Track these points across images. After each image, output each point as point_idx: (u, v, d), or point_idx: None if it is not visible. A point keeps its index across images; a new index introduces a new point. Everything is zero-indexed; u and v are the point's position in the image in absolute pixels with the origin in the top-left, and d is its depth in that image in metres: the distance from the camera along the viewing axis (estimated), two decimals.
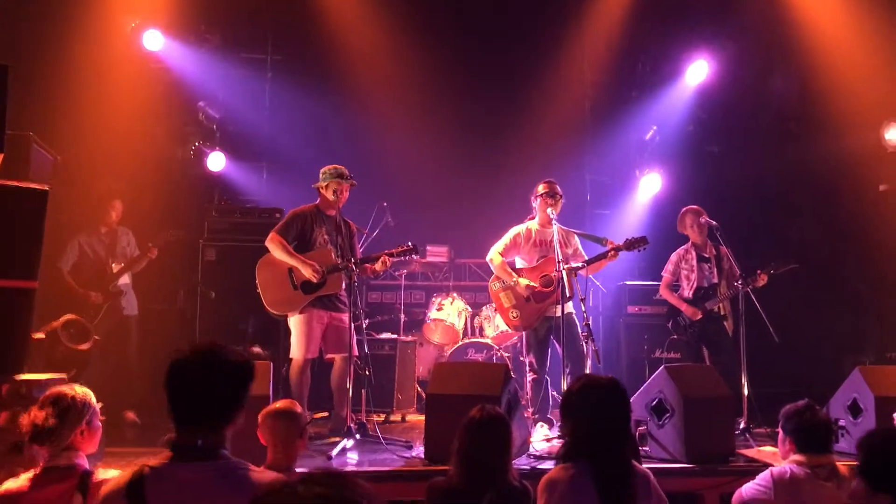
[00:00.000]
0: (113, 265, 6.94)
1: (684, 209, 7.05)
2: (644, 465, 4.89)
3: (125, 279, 7.01)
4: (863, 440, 2.04)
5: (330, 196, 5.98)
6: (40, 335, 5.23)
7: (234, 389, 2.31)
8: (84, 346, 5.58)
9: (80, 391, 3.11)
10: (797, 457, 3.59)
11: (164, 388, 2.28)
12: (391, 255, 5.92)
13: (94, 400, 3.12)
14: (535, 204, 6.47)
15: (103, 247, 7.00)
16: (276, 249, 5.86)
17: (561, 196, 6.37)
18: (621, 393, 2.97)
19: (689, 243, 7.02)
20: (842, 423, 5.41)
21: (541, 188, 6.40)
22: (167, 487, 2.18)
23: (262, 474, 2.27)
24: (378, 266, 5.92)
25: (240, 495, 2.13)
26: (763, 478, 3.64)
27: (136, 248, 7.13)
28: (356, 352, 5.86)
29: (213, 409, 2.28)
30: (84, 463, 2.99)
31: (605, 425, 2.89)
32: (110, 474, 2.92)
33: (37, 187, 4.64)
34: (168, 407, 2.29)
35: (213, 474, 2.21)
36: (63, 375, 4.60)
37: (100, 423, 3.15)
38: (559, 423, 5.66)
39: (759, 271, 6.34)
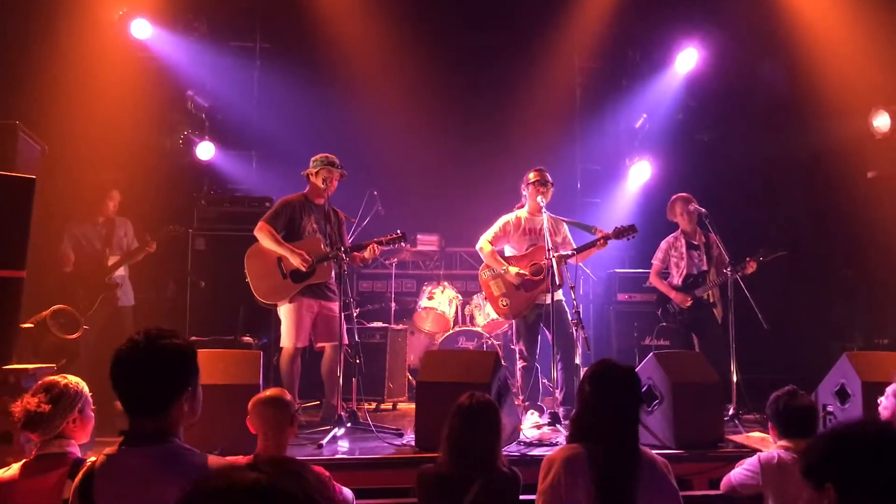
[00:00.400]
0: (110, 257, 6.92)
1: (673, 197, 7.07)
2: None
3: (121, 270, 6.98)
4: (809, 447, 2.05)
5: (319, 184, 5.96)
6: (29, 325, 5.21)
7: (172, 375, 2.30)
8: (73, 336, 5.55)
9: (73, 380, 3.11)
10: (785, 442, 3.63)
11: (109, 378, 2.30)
12: (380, 242, 5.91)
13: (86, 389, 3.12)
14: (526, 192, 6.47)
15: (100, 237, 6.97)
16: (264, 238, 5.84)
17: (552, 184, 6.37)
18: (634, 383, 2.97)
19: (679, 231, 7.03)
20: (830, 408, 5.45)
21: (532, 176, 6.40)
22: (114, 475, 2.21)
23: (210, 458, 2.26)
24: (367, 254, 5.90)
25: (184, 479, 2.14)
26: (751, 463, 3.67)
27: (135, 239, 7.10)
28: (346, 340, 5.86)
29: (152, 396, 2.27)
30: (76, 451, 2.99)
31: (616, 411, 2.87)
32: None
33: (24, 176, 4.61)
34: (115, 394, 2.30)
35: (158, 458, 2.21)
36: (52, 365, 4.59)
37: (92, 413, 3.15)
38: (550, 410, 5.73)
39: (747, 259, 6.36)
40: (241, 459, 2.49)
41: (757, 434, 5.40)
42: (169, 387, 2.29)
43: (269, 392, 3.62)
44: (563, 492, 2.75)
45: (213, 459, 2.28)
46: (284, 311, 5.87)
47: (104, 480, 2.20)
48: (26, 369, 4.33)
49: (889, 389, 3.94)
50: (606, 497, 2.72)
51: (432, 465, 3.36)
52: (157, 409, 2.27)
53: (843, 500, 1.79)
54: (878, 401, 4.08)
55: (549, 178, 6.37)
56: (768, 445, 3.83)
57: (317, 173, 5.98)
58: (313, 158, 6.05)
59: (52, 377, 3.11)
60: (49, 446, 2.94)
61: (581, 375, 6.08)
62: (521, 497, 3.43)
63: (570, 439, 3.02)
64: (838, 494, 1.79)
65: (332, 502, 3.17)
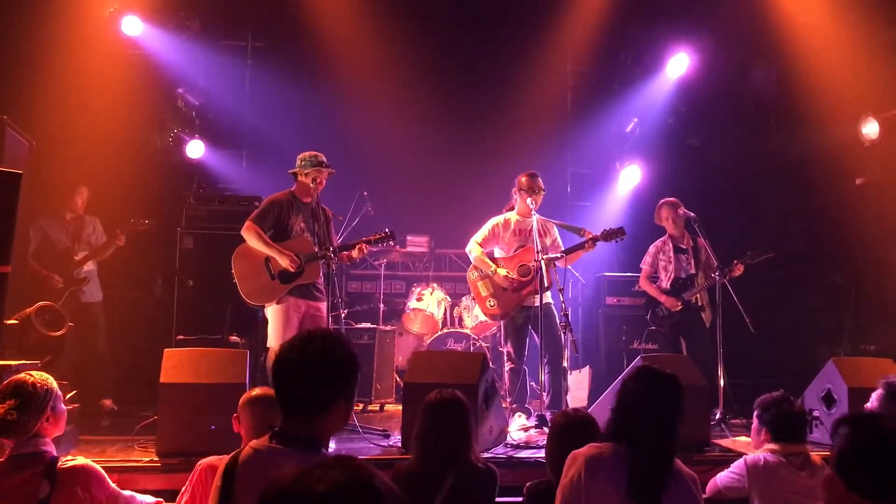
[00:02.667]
0: (78, 252, 6.86)
1: (661, 202, 7.08)
2: None
3: (90, 266, 6.92)
4: (840, 427, 1.89)
5: (308, 183, 5.92)
6: (13, 321, 5.17)
7: (336, 382, 2.24)
8: (58, 333, 5.51)
9: (39, 377, 3.04)
10: (771, 445, 3.64)
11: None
12: (369, 242, 5.87)
13: (54, 384, 3.07)
14: (517, 195, 6.46)
15: (67, 233, 6.91)
16: (251, 239, 5.77)
17: (543, 191, 6.36)
18: (676, 389, 2.85)
19: (666, 235, 7.05)
20: (816, 413, 5.47)
21: (524, 181, 6.36)
22: (258, 469, 2.14)
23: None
24: (355, 253, 5.86)
25: None
26: (737, 466, 3.68)
27: (104, 235, 7.04)
28: None
29: (310, 401, 2.20)
30: (51, 449, 2.95)
31: (653, 413, 2.78)
32: (79, 461, 2.89)
33: (9, 171, 4.57)
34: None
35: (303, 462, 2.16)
36: (36, 362, 4.55)
37: (64, 407, 3.11)
38: (537, 413, 5.73)
39: (735, 261, 6.38)
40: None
41: (743, 438, 5.40)
42: (332, 389, 2.22)
43: (257, 391, 3.60)
44: (583, 488, 2.69)
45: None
46: (272, 312, 5.82)
47: (247, 473, 2.13)
48: (9, 365, 4.29)
49: (874, 395, 3.96)
50: (637, 501, 2.65)
51: (406, 464, 3.35)
52: (313, 411, 2.20)
53: None
54: (866, 408, 4.10)
55: (542, 185, 6.35)
56: (754, 450, 3.84)
57: (306, 174, 5.94)
58: (300, 157, 5.99)
59: (18, 377, 3.03)
60: (23, 447, 2.89)
61: (567, 379, 6.14)
62: (507, 499, 3.42)
63: (606, 439, 2.89)
64: None
65: None
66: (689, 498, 2.77)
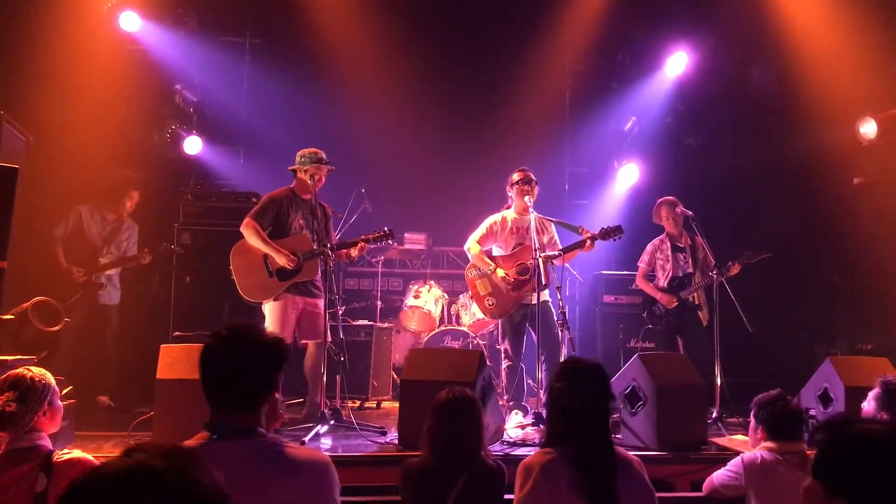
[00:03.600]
0: (106, 255, 6.86)
1: (659, 200, 7.09)
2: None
3: (111, 271, 6.93)
4: (818, 434, 1.90)
5: (307, 179, 5.91)
6: (10, 316, 5.16)
7: (264, 372, 2.30)
8: (55, 328, 5.50)
9: (38, 372, 3.04)
10: (768, 444, 3.64)
11: (198, 370, 2.30)
12: (367, 240, 5.87)
13: (52, 379, 3.07)
14: (511, 193, 6.47)
15: (102, 233, 6.93)
16: (250, 236, 5.77)
17: (536, 183, 6.37)
18: (603, 376, 2.91)
19: (664, 234, 7.06)
20: (812, 412, 5.46)
21: (515, 176, 6.40)
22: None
23: (298, 450, 2.26)
24: (354, 252, 5.87)
25: (280, 473, 2.17)
26: (734, 464, 3.68)
27: (135, 247, 7.08)
28: (330, 338, 5.83)
29: (244, 392, 2.27)
30: (47, 444, 2.94)
31: (587, 409, 2.81)
32: (75, 454, 2.89)
33: (6, 166, 4.56)
34: (202, 388, 2.29)
35: (252, 453, 2.19)
36: (32, 357, 4.54)
37: (60, 403, 3.10)
38: (534, 411, 5.73)
39: (730, 262, 6.38)
40: None
41: (740, 437, 5.41)
42: (265, 382, 2.30)
43: None
44: (545, 497, 2.70)
45: (292, 449, 2.27)
46: (269, 308, 5.83)
47: None
48: (5, 361, 4.29)
49: (871, 394, 3.96)
50: (593, 499, 2.67)
51: (417, 460, 3.35)
52: (251, 402, 2.27)
53: None
54: (862, 407, 4.10)
55: (533, 177, 6.37)
56: (750, 448, 3.84)
57: (305, 171, 5.94)
58: (300, 153, 6.00)
59: (16, 371, 3.03)
60: (19, 441, 2.89)
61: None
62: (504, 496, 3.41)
63: (544, 444, 2.95)
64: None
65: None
66: (638, 481, 2.80)
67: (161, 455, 1.19)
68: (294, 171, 6.01)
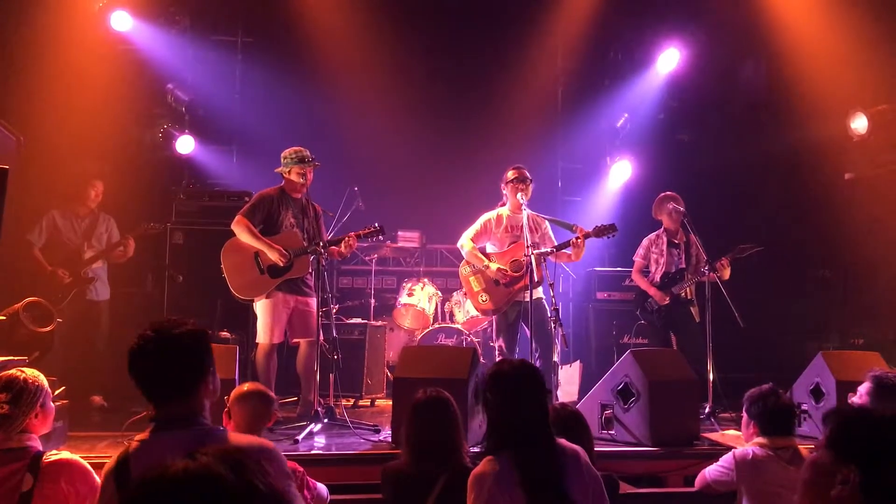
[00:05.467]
0: (87, 251, 6.84)
1: (663, 194, 7.05)
2: (610, 448, 4.98)
3: (99, 264, 6.91)
4: (832, 414, 1.98)
5: (298, 180, 5.92)
6: (1, 317, 5.15)
7: (195, 360, 2.37)
8: (46, 329, 5.49)
9: (31, 374, 3.04)
10: (760, 439, 3.65)
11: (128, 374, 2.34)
12: (358, 236, 5.86)
13: (45, 381, 3.07)
14: (506, 190, 6.47)
15: (78, 230, 6.89)
16: (242, 233, 5.78)
17: (531, 181, 6.37)
18: (532, 375, 2.87)
19: (661, 229, 7.06)
20: (804, 406, 5.50)
21: (510, 174, 6.40)
22: (150, 459, 2.17)
23: (240, 437, 2.32)
24: (343, 248, 5.85)
25: None
26: (726, 459, 3.70)
27: (117, 236, 7.03)
28: (321, 336, 5.83)
29: (177, 383, 2.34)
30: (37, 444, 2.94)
31: (520, 411, 2.77)
32: (63, 455, 2.89)
33: None
34: (135, 383, 2.34)
35: (191, 440, 2.22)
36: (24, 358, 4.53)
37: (52, 405, 3.10)
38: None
39: (721, 261, 6.39)
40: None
41: (732, 432, 5.44)
42: (192, 371, 2.36)
43: (248, 386, 3.60)
44: None
45: (234, 437, 2.34)
46: (260, 307, 5.83)
47: (140, 465, 2.20)
48: None
49: (862, 388, 3.97)
50: (540, 499, 2.65)
51: (396, 462, 3.34)
52: (184, 394, 2.33)
53: (867, 481, 1.76)
54: (849, 397, 4.12)
55: (528, 175, 6.37)
56: (743, 444, 3.85)
57: (290, 171, 5.94)
58: (283, 154, 5.99)
59: (9, 372, 3.03)
60: (8, 441, 2.89)
61: (557, 373, 6.16)
62: None
63: (487, 452, 2.85)
64: (863, 475, 1.76)
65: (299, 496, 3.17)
66: (585, 471, 2.77)
67: (224, 459, 1.23)
68: (281, 173, 6.01)
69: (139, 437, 2.30)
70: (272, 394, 3.71)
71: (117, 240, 6.99)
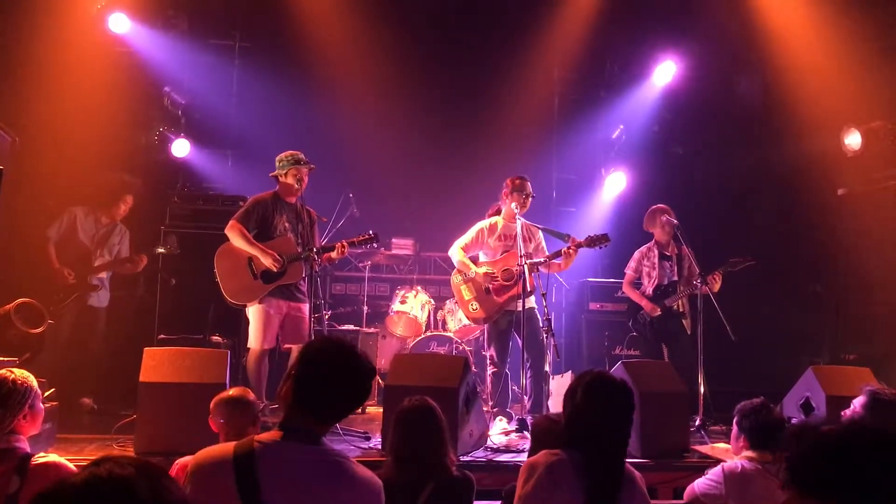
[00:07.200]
0: (98, 258, 6.84)
1: (655, 207, 7.07)
2: None
3: (103, 274, 6.91)
4: (791, 439, 1.96)
5: (293, 183, 5.91)
6: None
7: (363, 394, 2.39)
8: (38, 330, 5.47)
9: (20, 375, 3.03)
10: (749, 453, 3.65)
11: (299, 368, 2.30)
12: (351, 243, 5.87)
13: (34, 382, 3.06)
14: (506, 197, 6.43)
15: (94, 236, 6.90)
16: (235, 238, 5.77)
17: (531, 196, 6.36)
18: (630, 396, 2.83)
19: (653, 241, 7.08)
20: (794, 421, 5.50)
21: (516, 183, 6.36)
22: (278, 463, 2.17)
23: (358, 467, 2.28)
24: (335, 254, 5.85)
25: (338, 484, 2.21)
26: (715, 473, 3.69)
27: (128, 250, 7.07)
28: None
29: (347, 409, 2.40)
30: (24, 446, 2.93)
31: (609, 421, 2.76)
32: (51, 458, 2.87)
33: None
34: (293, 387, 2.29)
35: (320, 459, 2.23)
36: (14, 359, 4.51)
37: (42, 406, 3.09)
38: (518, 417, 5.73)
39: (713, 274, 6.41)
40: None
41: (722, 445, 5.43)
42: (357, 405, 2.43)
43: (231, 391, 3.59)
44: (546, 496, 2.66)
45: (355, 466, 2.31)
46: (252, 312, 5.82)
47: (269, 467, 2.14)
48: None
49: (857, 402, 3.97)
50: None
51: (380, 471, 3.32)
52: (339, 419, 2.44)
53: None
54: (843, 414, 4.12)
55: (531, 190, 6.35)
56: (733, 456, 3.85)
57: (286, 174, 5.93)
58: (278, 158, 5.99)
59: None
60: None
61: (549, 384, 6.15)
62: (486, 502, 3.41)
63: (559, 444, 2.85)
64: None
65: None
66: (640, 496, 2.77)
67: (130, 465, 1.21)
68: (276, 176, 6.00)
69: (264, 437, 2.22)
70: (255, 399, 3.69)
71: (127, 255, 7.02)
